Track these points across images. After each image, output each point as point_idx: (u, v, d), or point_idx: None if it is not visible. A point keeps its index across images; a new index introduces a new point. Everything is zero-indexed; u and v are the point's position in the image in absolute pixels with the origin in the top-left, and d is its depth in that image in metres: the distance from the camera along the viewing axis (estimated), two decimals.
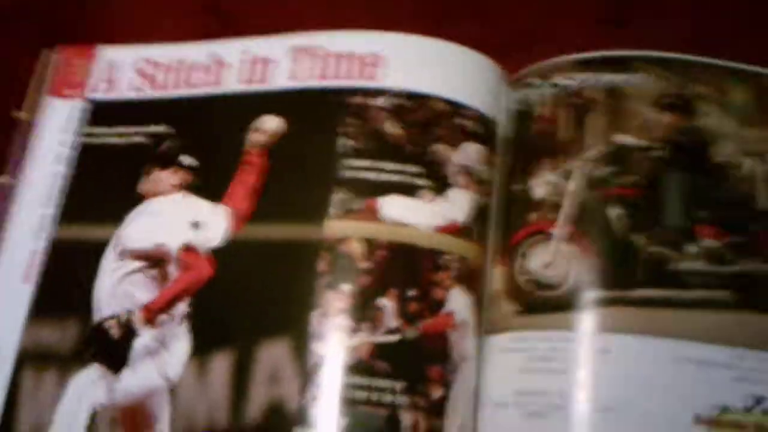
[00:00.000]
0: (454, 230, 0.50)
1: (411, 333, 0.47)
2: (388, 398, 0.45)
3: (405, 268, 0.48)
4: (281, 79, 0.55)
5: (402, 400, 0.45)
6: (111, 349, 0.49)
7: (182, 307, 0.49)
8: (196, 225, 0.51)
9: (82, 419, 0.48)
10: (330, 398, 0.45)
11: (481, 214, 0.51)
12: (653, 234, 0.49)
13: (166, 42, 0.58)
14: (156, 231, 0.51)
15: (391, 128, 0.52)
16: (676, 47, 0.53)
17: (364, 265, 0.48)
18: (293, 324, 0.47)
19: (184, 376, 0.47)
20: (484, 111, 0.53)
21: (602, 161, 0.51)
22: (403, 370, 0.46)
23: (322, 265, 0.48)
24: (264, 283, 0.49)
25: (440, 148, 0.52)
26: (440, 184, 0.51)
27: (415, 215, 0.50)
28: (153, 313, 0.49)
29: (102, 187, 0.54)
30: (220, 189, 0.52)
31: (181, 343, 0.48)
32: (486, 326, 0.49)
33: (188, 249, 0.50)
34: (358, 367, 0.46)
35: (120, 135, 0.55)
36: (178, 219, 0.51)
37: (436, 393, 0.46)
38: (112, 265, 0.51)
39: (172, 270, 0.50)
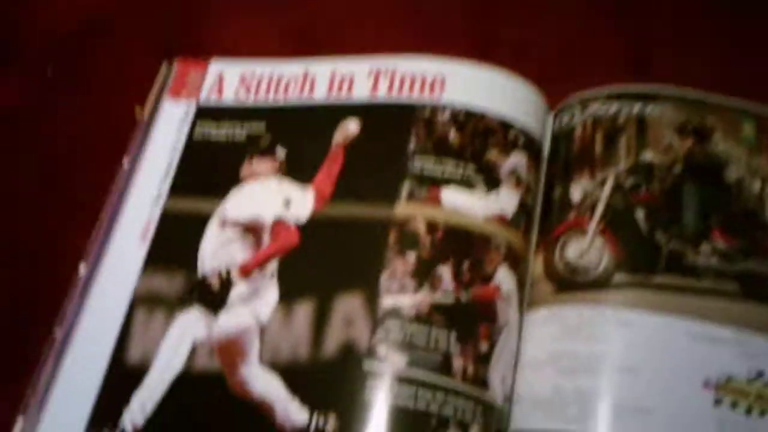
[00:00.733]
0: (502, 221, 0.59)
1: (464, 296, 0.56)
2: (442, 345, 0.54)
3: (460, 245, 0.57)
4: (362, 93, 0.65)
5: (454, 348, 0.54)
6: (211, 296, 0.58)
7: (272, 266, 0.59)
8: (287, 203, 0.61)
9: (184, 351, 0.56)
10: (394, 340, 0.53)
11: (525, 211, 0.60)
12: (673, 233, 0.58)
13: (266, 58, 0.69)
14: (254, 206, 0.61)
15: (453, 136, 0.62)
16: (693, 83, 0.62)
17: (427, 240, 0.57)
18: (365, 281, 0.56)
19: (272, 319, 0.56)
20: (531, 130, 0.63)
21: (631, 173, 0.60)
22: (456, 324, 0.54)
23: (391, 238, 0.57)
24: (342, 249, 0.58)
25: (494, 154, 0.61)
26: (493, 183, 0.60)
27: (471, 205, 0.59)
28: (248, 270, 0.59)
29: (208, 170, 0.64)
30: (308, 176, 0.62)
31: (270, 293, 0.57)
32: (527, 303, 0.58)
33: (279, 222, 0.60)
34: (419, 319, 0.54)
35: (224, 133, 0.66)
36: (272, 197, 0.61)
37: (483, 346, 0.54)
38: (215, 232, 0.61)
39: (266, 238, 0.60)
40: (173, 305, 0.58)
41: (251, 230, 0.60)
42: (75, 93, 0.73)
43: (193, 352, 0.56)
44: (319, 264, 0.58)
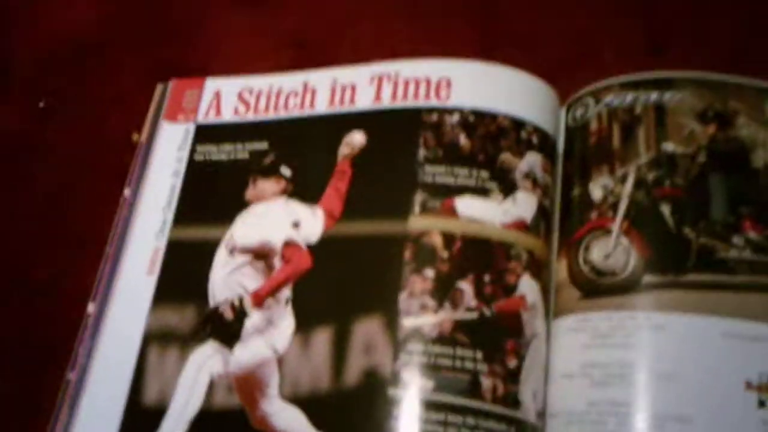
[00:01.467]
0: (521, 227, 0.57)
1: (487, 311, 0.54)
2: (469, 365, 0.51)
3: (480, 257, 0.55)
4: (365, 101, 0.62)
5: (482, 367, 0.51)
6: (225, 329, 0.56)
7: (286, 292, 0.56)
8: (296, 224, 0.59)
9: (202, 388, 0.55)
10: (418, 364, 0.51)
11: (544, 214, 0.58)
12: (702, 227, 0.55)
13: (262, 72, 0.67)
14: (262, 230, 0.59)
15: (464, 140, 0.59)
16: (712, 65, 0.59)
17: (444, 254, 0.55)
18: (384, 303, 0.54)
19: (290, 349, 0.54)
20: (544, 127, 0.60)
21: (653, 166, 0.57)
22: (481, 342, 0.52)
23: (407, 254, 0.55)
24: (356, 270, 0.56)
25: (507, 157, 0.59)
26: (508, 188, 0.57)
27: (487, 213, 0.56)
28: (261, 298, 0.57)
29: (212, 195, 0.62)
30: (316, 194, 0.59)
31: (286, 322, 0.55)
32: (553, 311, 0.56)
33: (290, 245, 0.58)
34: (442, 339, 0.52)
35: (226, 152, 0.64)
36: (280, 220, 0.59)
37: (512, 362, 0.52)
38: (223, 260, 0.59)
39: (277, 262, 0.58)
40: (187, 340, 0.56)
41: (261, 256, 0.58)
42: (70, 120, 0.71)
43: (211, 388, 0.54)
44: (334, 287, 0.56)
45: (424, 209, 0.57)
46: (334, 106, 0.63)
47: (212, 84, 0.67)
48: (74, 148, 0.70)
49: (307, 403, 0.52)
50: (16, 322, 0.63)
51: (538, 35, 0.70)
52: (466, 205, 0.57)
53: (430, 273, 0.54)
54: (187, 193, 0.62)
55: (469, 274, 0.54)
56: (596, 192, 0.58)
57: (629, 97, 0.59)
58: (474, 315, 0.53)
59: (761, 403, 0.49)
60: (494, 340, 0.52)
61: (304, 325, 0.55)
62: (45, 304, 0.63)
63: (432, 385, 0.51)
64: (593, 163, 0.58)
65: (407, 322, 0.53)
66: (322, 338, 0.54)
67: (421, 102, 0.61)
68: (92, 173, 0.68)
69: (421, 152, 0.59)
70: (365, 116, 0.62)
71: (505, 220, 0.56)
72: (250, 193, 0.61)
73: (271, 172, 0.61)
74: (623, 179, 0.57)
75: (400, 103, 0.61)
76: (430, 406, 0.50)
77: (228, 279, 0.58)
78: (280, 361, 0.54)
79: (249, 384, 0.54)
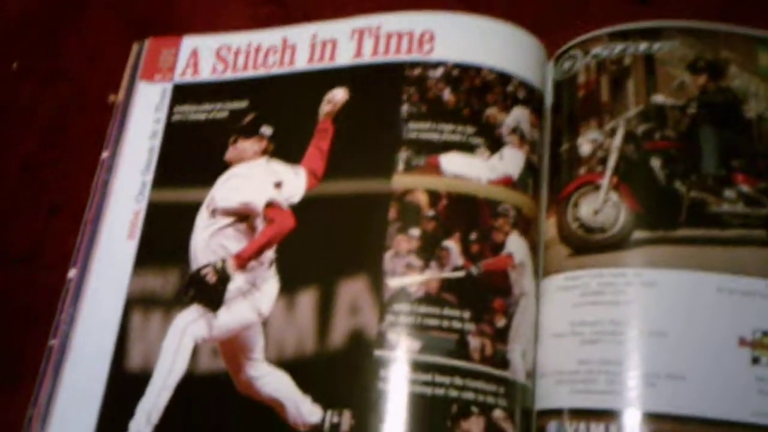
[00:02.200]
0: (508, 183, 0.55)
1: (475, 270, 0.52)
2: (456, 325, 0.51)
3: (466, 214, 0.54)
4: (346, 57, 0.61)
5: (469, 326, 0.51)
6: (208, 292, 0.55)
7: (270, 254, 0.55)
8: (278, 185, 0.57)
9: (186, 352, 0.54)
10: (405, 325, 0.50)
11: (532, 170, 0.56)
12: (693, 181, 0.54)
13: (239, 30, 0.65)
14: (243, 191, 0.58)
15: (448, 95, 0.58)
16: (702, 14, 0.58)
17: (430, 212, 0.54)
18: (369, 263, 0.52)
19: (275, 311, 0.53)
20: (530, 81, 0.58)
21: (642, 119, 0.56)
22: (468, 301, 0.51)
23: (392, 213, 0.54)
24: (341, 230, 0.54)
25: (493, 112, 0.57)
26: (494, 144, 0.56)
27: (473, 170, 0.55)
28: (244, 261, 0.55)
29: (192, 156, 0.60)
30: (298, 153, 0.58)
31: (270, 284, 0.54)
32: (542, 270, 0.55)
33: (272, 205, 0.57)
34: (428, 299, 0.51)
35: (205, 112, 0.62)
36: (262, 180, 0.58)
37: (500, 322, 0.51)
38: (205, 222, 0.57)
39: (259, 224, 0.57)
40: (170, 305, 0.55)
41: (243, 217, 0.57)
42: (44, 82, 0.69)
43: (196, 352, 0.54)
44: (318, 248, 0.54)
45: (408, 167, 0.55)
46: (314, 63, 0.61)
47: (189, 42, 0.65)
48: (49, 111, 0.68)
49: (293, 366, 0.51)
50: None
51: None
52: (452, 162, 0.55)
53: (415, 232, 0.53)
54: (166, 155, 0.61)
55: (456, 232, 0.53)
56: (585, 147, 0.56)
57: (618, 48, 0.58)
58: (461, 274, 0.52)
59: (755, 360, 0.48)
60: (482, 300, 0.51)
61: (288, 287, 0.54)
62: (25, 270, 0.62)
63: (419, 346, 0.50)
64: (582, 117, 0.57)
65: (393, 283, 0.52)
66: (307, 300, 0.53)
67: (404, 56, 0.59)
68: (68, 136, 0.66)
69: (405, 108, 0.57)
70: (346, 72, 0.60)
71: (491, 176, 0.55)
72: (230, 153, 0.59)
73: (252, 131, 0.60)
74: (612, 133, 0.55)
75: (381, 58, 0.59)
76: (417, 366, 0.49)
77: (210, 242, 0.56)
78: (265, 324, 0.53)
79: (233, 348, 0.53)
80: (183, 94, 0.63)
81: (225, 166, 0.59)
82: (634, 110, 0.56)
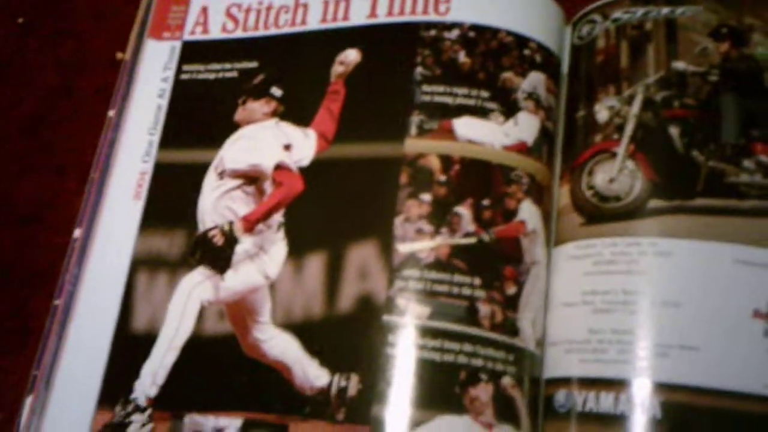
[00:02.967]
0: (522, 150, 0.54)
1: (486, 237, 0.52)
2: (466, 292, 0.50)
3: (479, 180, 0.53)
4: (359, 16, 0.59)
5: (479, 293, 0.50)
6: (215, 255, 0.54)
7: (278, 218, 0.54)
8: (287, 147, 0.56)
9: (192, 314, 0.53)
10: (414, 290, 0.50)
11: (547, 137, 0.55)
12: (711, 150, 0.53)
13: None
14: (252, 153, 0.57)
15: (463, 58, 0.56)
16: None
17: (442, 177, 0.53)
18: (378, 228, 0.52)
19: (282, 275, 0.53)
20: (548, 45, 0.57)
21: (662, 85, 0.54)
22: (479, 268, 0.50)
23: (403, 178, 0.53)
24: (350, 194, 0.54)
25: (509, 76, 0.56)
26: (509, 109, 0.55)
27: (487, 135, 0.54)
28: (251, 224, 0.55)
29: (200, 116, 0.59)
30: (308, 115, 0.57)
31: (278, 247, 0.53)
32: (554, 238, 0.54)
33: (281, 168, 0.56)
34: (439, 265, 0.50)
35: (214, 71, 0.61)
36: (271, 142, 0.57)
37: (510, 289, 0.51)
38: (213, 184, 0.56)
39: (268, 186, 0.56)
40: (176, 266, 0.55)
41: (252, 180, 0.56)
42: (50, 38, 0.68)
43: (202, 314, 0.53)
44: (327, 212, 0.53)
45: (421, 131, 0.54)
46: (326, 22, 0.60)
47: (199, 0, 0.64)
48: (55, 69, 0.67)
49: (300, 330, 0.51)
50: (3, 249, 0.61)
51: None
52: (465, 127, 0.54)
53: (426, 197, 0.52)
54: (174, 115, 0.60)
55: (468, 198, 0.52)
56: (602, 113, 0.55)
57: (639, 12, 0.56)
58: (472, 240, 0.51)
59: None
60: (492, 267, 0.51)
61: (296, 250, 0.53)
62: (31, 230, 0.61)
63: (428, 312, 0.49)
64: (599, 84, 0.56)
65: (403, 248, 0.51)
66: (316, 264, 0.52)
67: (419, 17, 0.57)
68: (75, 95, 0.65)
69: (418, 71, 0.56)
70: (360, 32, 0.58)
71: (505, 142, 0.54)
72: (239, 114, 0.58)
73: (261, 92, 0.58)
74: (630, 100, 0.54)
75: (396, 18, 0.58)
76: (426, 332, 0.49)
77: (217, 204, 0.56)
78: (272, 287, 0.53)
79: (240, 310, 0.53)
80: (192, 52, 0.62)
81: (234, 127, 0.58)
82: (653, 77, 0.55)
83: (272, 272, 0.53)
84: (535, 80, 0.56)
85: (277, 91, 0.58)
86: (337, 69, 0.58)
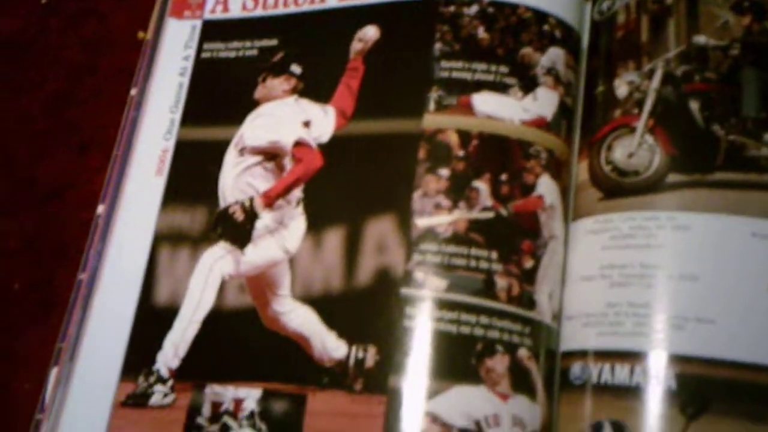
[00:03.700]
0: (541, 125, 0.54)
1: (504, 211, 0.52)
2: (484, 265, 0.50)
3: (497, 155, 0.53)
4: None
5: (497, 267, 0.50)
6: (236, 230, 0.55)
7: (297, 193, 0.55)
8: (307, 124, 0.57)
9: (213, 288, 0.54)
10: (432, 264, 0.50)
11: (566, 112, 0.55)
12: (732, 124, 0.52)
13: None
14: (272, 130, 0.57)
15: (482, 34, 0.56)
16: None
17: (460, 153, 0.53)
18: (397, 202, 0.52)
19: (302, 249, 0.53)
20: (568, 20, 0.57)
21: (682, 60, 0.54)
22: (496, 242, 0.51)
23: (421, 153, 0.53)
24: (369, 169, 0.54)
25: (528, 51, 0.56)
26: (528, 84, 0.55)
27: (505, 110, 0.54)
28: (271, 199, 0.55)
29: (221, 94, 0.60)
30: (327, 92, 0.57)
31: (297, 222, 0.54)
32: (572, 213, 0.54)
33: (300, 144, 0.56)
34: (456, 239, 0.51)
35: (234, 49, 0.61)
36: (291, 119, 0.57)
37: (528, 263, 0.51)
38: (234, 161, 0.57)
39: (287, 163, 0.56)
40: (197, 241, 0.56)
41: (272, 156, 0.56)
42: (73, 18, 0.69)
43: (223, 288, 0.54)
44: (346, 187, 0.54)
45: (440, 106, 0.54)
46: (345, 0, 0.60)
47: None
48: (78, 48, 0.68)
49: (319, 303, 0.52)
50: (27, 225, 0.62)
51: None
52: (484, 102, 0.54)
53: (444, 172, 0.52)
54: (195, 93, 0.60)
55: (486, 173, 0.52)
56: (621, 88, 0.55)
57: None
58: (490, 215, 0.51)
59: None
60: (510, 241, 0.51)
61: (315, 225, 0.54)
62: (55, 206, 0.63)
63: (445, 285, 0.50)
64: (619, 58, 0.55)
65: (421, 222, 0.51)
66: (334, 238, 0.53)
67: None
68: (98, 73, 0.66)
69: (437, 46, 0.56)
70: (379, 9, 0.59)
71: (524, 117, 0.54)
72: (259, 91, 0.59)
73: (281, 70, 0.59)
74: (650, 74, 0.54)
75: None
76: (443, 305, 0.49)
77: (238, 180, 0.56)
78: (292, 261, 0.53)
79: (260, 284, 0.53)
80: (212, 31, 0.62)
81: (254, 105, 0.59)
82: (674, 51, 0.54)
83: (292, 246, 0.54)
84: (554, 56, 0.56)
85: (296, 69, 0.59)
86: (356, 46, 0.58)
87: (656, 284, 0.48)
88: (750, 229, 0.49)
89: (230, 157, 0.57)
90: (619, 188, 0.53)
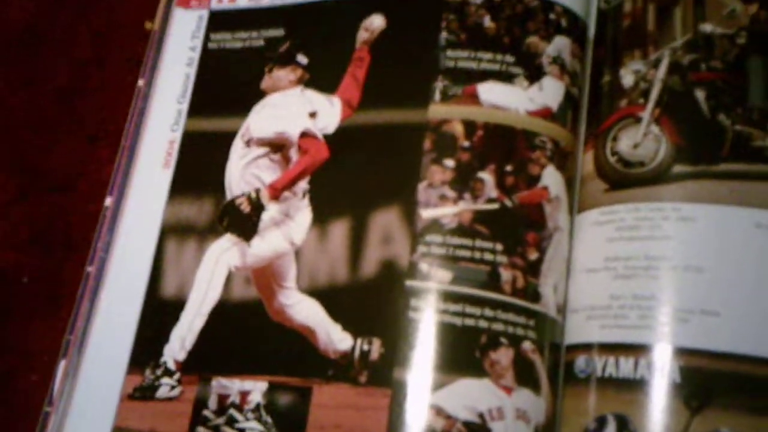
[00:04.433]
0: (547, 115, 0.54)
1: (509, 202, 0.52)
2: (488, 257, 0.50)
3: (502, 146, 0.53)
4: None
5: (501, 259, 0.50)
6: (242, 222, 0.55)
7: (303, 185, 0.55)
8: (313, 115, 0.57)
9: (220, 280, 0.54)
10: (436, 255, 0.50)
11: (572, 103, 0.55)
12: (738, 114, 0.52)
13: None
14: (278, 121, 0.57)
15: (488, 23, 0.56)
16: None
17: (465, 143, 0.53)
18: (402, 194, 0.52)
19: (307, 241, 0.54)
20: (574, 9, 0.56)
21: (689, 49, 0.54)
22: (502, 233, 0.51)
23: (427, 144, 0.53)
24: (374, 160, 0.54)
25: (534, 40, 0.55)
26: (534, 74, 0.54)
27: (511, 100, 0.54)
28: (278, 191, 0.55)
29: (227, 85, 0.60)
30: (333, 82, 0.57)
31: (303, 214, 0.54)
32: (577, 205, 0.54)
33: (306, 135, 0.56)
34: (461, 230, 0.51)
35: (241, 39, 0.61)
36: (297, 110, 0.57)
37: (533, 255, 0.51)
38: (240, 152, 0.57)
39: (293, 154, 0.56)
40: (204, 233, 0.56)
41: (278, 147, 0.56)
42: (81, 8, 0.69)
43: (229, 280, 0.54)
44: (352, 178, 0.54)
45: (445, 96, 0.54)
46: None
47: None
48: (86, 38, 0.68)
49: (325, 295, 0.52)
50: (35, 217, 0.63)
51: None
52: (490, 92, 0.54)
53: (450, 163, 0.52)
54: (202, 83, 0.61)
55: (491, 164, 0.52)
56: (627, 78, 0.55)
57: None
58: (495, 206, 0.51)
59: None
60: (515, 232, 0.51)
61: (321, 217, 0.54)
62: (62, 198, 0.63)
63: (450, 277, 0.50)
64: (625, 48, 0.55)
65: (426, 213, 0.51)
66: (340, 230, 0.53)
67: None
68: (105, 65, 0.66)
69: (443, 36, 0.56)
70: None
71: (530, 107, 0.54)
72: (265, 82, 0.59)
73: (287, 60, 0.59)
74: (656, 63, 0.53)
75: None
76: (447, 297, 0.49)
77: (244, 171, 0.57)
78: (298, 253, 0.54)
79: (266, 276, 0.54)
80: (219, 21, 0.62)
81: (260, 95, 0.59)
82: (680, 40, 0.54)
83: (297, 238, 0.54)
84: (560, 45, 0.56)
85: (302, 59, 0.59)
86: (362, 35, 0.58)
87: (661, 276, 0.48)
88: (755, 220, 0.48)
89: (236, 148, 0.57)
90: (625, 179, 0.52)
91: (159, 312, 0.54)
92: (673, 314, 0.47)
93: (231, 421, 0.51)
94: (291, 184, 0.55)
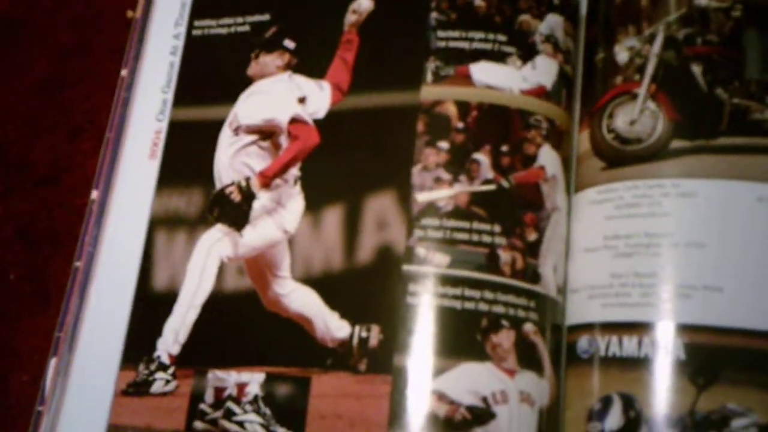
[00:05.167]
0: (541, 94, 0.53)
1: (505, 183, 0.51)
2: (487, 239, 0.49)
3: (497, 126, 0.52)
4: None
5: (500, 240, 0.49)
6: (233, 211, 0.54)
7: (294, 172, 0.54)
8: (302, 100, 0.56)
9: (212, 272, 0.53)
10: (434, 239, 0.49)
11: (566, 80, 0.54)
12: (735, 88, 0.51)
13: None
14: (266, 108, 0.56)
15: (479, 1, 0.55)
16: None
17: (459, 124, 0.52)
18: (396, 178, 0.51)
19: (300, 229, 0.52)
20: None
21: (684, 23, 0.53)
22: (499, 215, 0.50)
23: (420, 126, 0.52)
24: (367, 145, 0.53)
25: (526, 19, 0.55)
26: (527, 52, 0.53)
27: (504, 79, 0.53)
28: (268, 179, 0.54)
29: (213, 72, 0.59)
30: (322, 67, 0.56)
31: (295, 201, 0.53)
32: (574, 185, 0.53)
33: (296, 121, 0.55)
34: (458, 213, 0.50)
35: (226, 26, 0.60)
36: (285, 96, 0.56)
37: (531, 236, 0.50)
38: (228, 140, 0.56)
39: (283, 141, 0.55)
40: (194, 224, 0.55)
41: (267, 134, 0.55)
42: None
43: (222, 271, 0.53)
44: (344, 164, 0.53)
45: (437, 77, 0.53)
46: None
47: None
48: (68, 28, 0.66)
49: (320, 283, 0.51)
50: (20, 212, 0.61)
51: None
52: (483, 72, 0.53)
53: (444, 145, 0.51)
54: (187, 72, 0.59)
55: (486, 144, 0.51)
56: (622, 54, 0.54)
57: None
58: (491, 187, 0.50)
59: None
60: (513, 213, 0.50)
61: (314, 204, 0.53)
62: (47, 192, 0.62)
63: (448, 260, 0.49)
64: (619, 24, 0.54)
65: (421, 197, 0.50)
66: (333, 217, 0.52)
67: None
68: (88, 55, 0.65)
69: (433, 16, 0.54)
70: None
71: (523, 86, 0.53)
72: (252, 68, 0.58)
73: (274, 45, 0.58)
74: (651, 39, 0.53)
75: None
76: (446, 280, 0.48)
77: (233, 160, 0.55)
78: (291, 241, 0.52)
79: (260, 266, 0.53)
80: (203, 7, 0.61)
81: (247, 82, 0.57)
82: (675, 14, 0.53)
83: (290, 226, 0.53)
84: (552, 23, 0.55)
85: (290, 44, 0.57)
86: (350, 18, 0.57)
87: (662, 253, 0.48)
88: (756, 194, 0.48)
89: (225, 136, 0.56)
90: (622, 157, 0.52)
91: (151, 305, 0.53)
92: (676, 291, 0.47)
93: (229, 414, 0.50)
94: (282, 171, 0.54)
